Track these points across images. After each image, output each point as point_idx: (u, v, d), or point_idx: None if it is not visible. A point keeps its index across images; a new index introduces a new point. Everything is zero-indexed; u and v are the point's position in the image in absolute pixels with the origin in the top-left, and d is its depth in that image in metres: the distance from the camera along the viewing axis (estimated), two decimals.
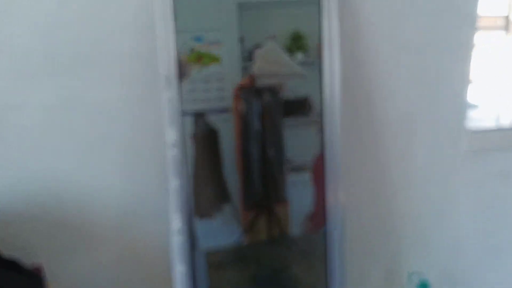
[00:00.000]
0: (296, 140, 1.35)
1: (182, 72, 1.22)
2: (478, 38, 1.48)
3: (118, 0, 1.20)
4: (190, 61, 1.24)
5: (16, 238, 1.30)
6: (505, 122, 1.69)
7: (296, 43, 1.30)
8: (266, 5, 1.27)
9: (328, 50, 1.27)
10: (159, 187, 1.28)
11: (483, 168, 1.60)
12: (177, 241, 1.24)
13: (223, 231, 1.36)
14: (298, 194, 1.37)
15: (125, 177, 1.33)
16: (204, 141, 1.30)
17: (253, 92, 1.31)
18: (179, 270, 1.24)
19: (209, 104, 1.29)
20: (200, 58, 1.24)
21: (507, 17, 1.78)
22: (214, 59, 1.26)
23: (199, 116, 1.29)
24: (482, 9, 1.45)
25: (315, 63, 1.28)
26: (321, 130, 1.30)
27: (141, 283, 1.39)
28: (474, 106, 1.72)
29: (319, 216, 1.36)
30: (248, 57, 1.29)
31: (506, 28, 1.79)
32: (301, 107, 1.34)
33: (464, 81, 1.48)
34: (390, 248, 1.61)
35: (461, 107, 1.51)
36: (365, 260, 1.60)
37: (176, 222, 1.23)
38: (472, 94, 1.55)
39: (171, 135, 1.19)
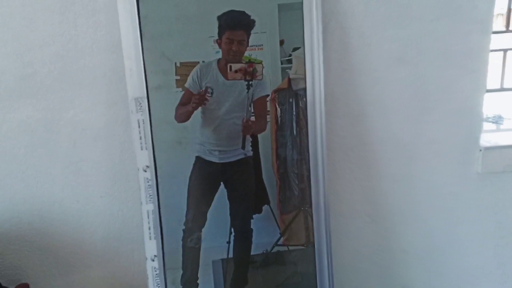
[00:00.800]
0: None
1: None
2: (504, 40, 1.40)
3: (89, 18, 1.20)
4: None
5: (2, 258, 1.32)
6: None
7: None
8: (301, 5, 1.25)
9: (310, 61, 1.25)
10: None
11: (501, 190, 1.45)
12: (151, 267, 1.25)
13: (261, 233, 1.35)
14: None
15: (109, 199, 1.33)
16: None
17: (289, 95, 1.31)
18: None
19: None
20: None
21: None
22: (256, 62, 1.25)
23: None
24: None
25: None
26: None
27: None
28: (500, 119, 1.62)
29: None
30: (288, 60, 1.29)
31: None
32: None
33: (477, 91, 1.36)
34: (394, 285, 1.52)
35: (474, 121, 1.38)
36: None
37: (151, 249, 1.24)
38: (501, 106, 1.49)
39: (143, 159, 1.19)
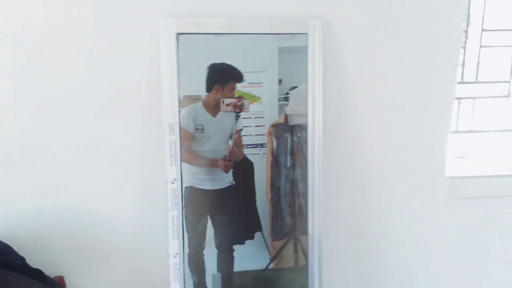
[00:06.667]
0: None
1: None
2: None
3: (136, 62, 1.36)
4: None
5: (43, 253, 1.49)
6: (489, 170, 1.70)
7: None
8: (304, 49, 1.35)
9: (312, 101, 1.38)
10: (164, 216, 1.43)
11: (464, 215, 1.67)
12: (173, 263, 1.41)
13: (253, 259, 1.44)
14: None
15: (137, 208, 1.50)
16: (241, 173, 1.41)
17: (285, 129, 1.41)
18: None
19: (249, 139, 1.40)
20: (243, 97, 1.36)
21: None
22: (255, 98, 1.37)
23: None
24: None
25: None
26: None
27: None
28: (462, 155, 1.81)
29: None
30: (285, 97, 1.38)
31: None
32: None
33: (443, 132, 1.55)
34: None
35: (441, 156, 1.58)
36: None
37: (173, 247, 1.40)
38: (458, 144, 1.73)
39: (171, 173, 1.37)
